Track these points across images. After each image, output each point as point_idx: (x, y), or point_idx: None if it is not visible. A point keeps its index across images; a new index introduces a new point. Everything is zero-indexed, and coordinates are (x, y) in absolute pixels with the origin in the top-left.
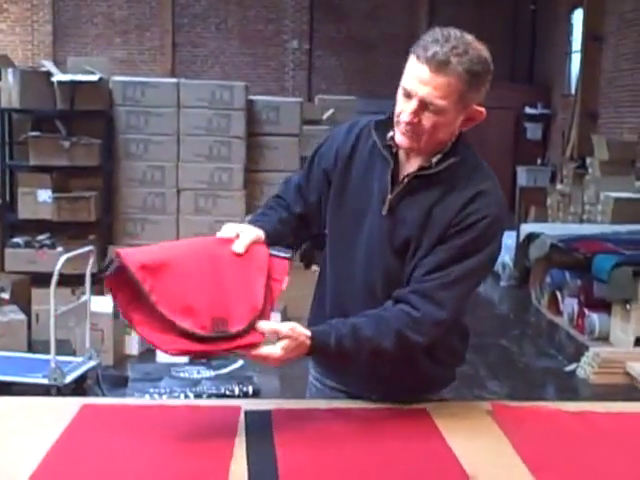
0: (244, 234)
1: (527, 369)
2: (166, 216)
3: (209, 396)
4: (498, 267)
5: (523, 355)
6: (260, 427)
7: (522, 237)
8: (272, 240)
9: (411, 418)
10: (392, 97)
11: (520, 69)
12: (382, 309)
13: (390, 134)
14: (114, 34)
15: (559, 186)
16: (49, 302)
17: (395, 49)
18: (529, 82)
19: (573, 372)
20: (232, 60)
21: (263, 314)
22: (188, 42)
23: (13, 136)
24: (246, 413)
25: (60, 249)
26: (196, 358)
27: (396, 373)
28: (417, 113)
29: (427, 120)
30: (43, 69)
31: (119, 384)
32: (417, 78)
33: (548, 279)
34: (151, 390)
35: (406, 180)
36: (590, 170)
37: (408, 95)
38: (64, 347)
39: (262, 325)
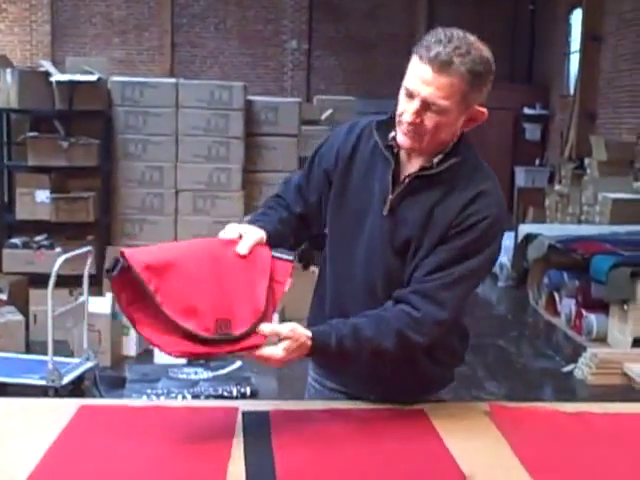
0: (247, 235)
1: (525, 370)
2: (164, 217)
3: (207, 397)
4: (496, 268)
5: (521, 356)
6: (258, 428)
7: (520, 238)
8: (273, 240)
9: (409, 419)
10: (391, 97)
11: (519, 69)
12: (382, 309)
13: (392, 134)
14: (113, 34)
15: (557, 187)
16: (47, 303)
17: (394, 49)
18: (528, 82)
19: (571, 373)
20: (231, 60)
21: (265, 316)
22: (187, 42)
23: (11, 136)
24: (244, 414)
25: (58, 250)
26: (195, 359)
27: (396, 373)
28: (419, 113)
29: (429, 120)
30: (41, 69)
31: (117, 385)
32: (420, 78)
33: (546, 280)
34: (149, 391)
35: (407, 180)
36: (588, 171)
37: (410, 95)
38: (62, 348)
39: (263, 327)
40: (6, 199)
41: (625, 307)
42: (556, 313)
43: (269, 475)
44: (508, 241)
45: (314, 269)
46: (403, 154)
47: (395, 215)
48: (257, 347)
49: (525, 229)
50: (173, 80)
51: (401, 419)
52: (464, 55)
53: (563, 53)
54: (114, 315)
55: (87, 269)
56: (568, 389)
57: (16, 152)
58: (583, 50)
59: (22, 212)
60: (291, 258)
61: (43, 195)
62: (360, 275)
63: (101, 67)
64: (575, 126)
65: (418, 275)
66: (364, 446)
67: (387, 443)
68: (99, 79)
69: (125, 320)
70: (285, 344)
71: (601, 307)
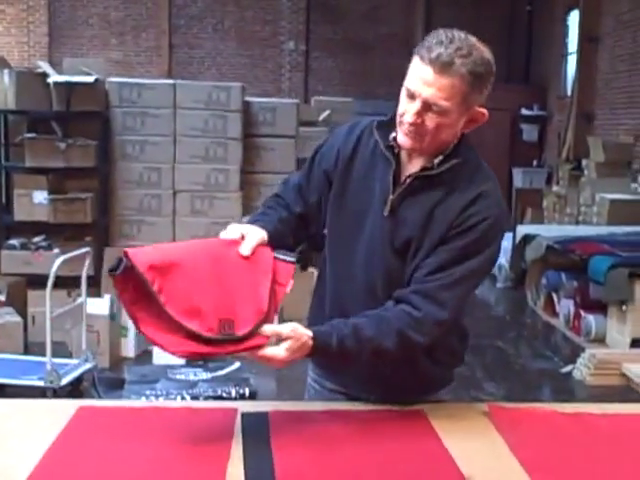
0: (249, 236)
1: (523, 371)
2: (162, 218)
3: (206, 398)
4: (494, 268)
5: (519, 357)
6: (257, 429)
7: (518, 239)
8: (273, 240)
9: (408, 419)
10: (388, 98)
11: (516, 70)
12: (383, 309)
13: (392, 135)
14: (110, 35)
15: (555, 188)
16: (45, 304)
17: (392, 50)
18: (525, 83)
19: (569, 373)
20: (229, 61)
21: (268, 317)
22: (184, 43)
23: (9, 137)
24: (243, 415)
25: (56, 251)
26: (198, 359)
27: (396, 373)
28: (420, 114)
29: (430, 121)
30: (39, 70)
31: (115, 386)
32: (421, 79)
33: (544, 280)
34: (147, 392)
35: (408, 181)
36: (586, 172)
37: (412, 96)
38: (60, 349)
39: (264, 328)
40: (4, 200)
41: (623, 308)
42: (554, 314)
43: (268, 476)
44: (506, 242)
45: (312, 270)
46: (404, 154)
47: (396, 215)
48: (259, 347)
49: (523, 230)
50: (171, 81)
51: (400, 420)
52: (465, 56)
53: (560, 54)
54: (112, 316)
55: (85, 270)
56: (567, 390)
57: (14, 153)
58: (580, 51)
59: (20, 213)
60: (293, 260)
61: (41, 196)
62: (360, 275)
63: (98, 68)
64: (573, 127)
65: (419, 275)
66: (363, 447)
67: (386, 444)
68: (96, 80)
69: (124, 321)
70: (287, 344)
71: (599, 308)
